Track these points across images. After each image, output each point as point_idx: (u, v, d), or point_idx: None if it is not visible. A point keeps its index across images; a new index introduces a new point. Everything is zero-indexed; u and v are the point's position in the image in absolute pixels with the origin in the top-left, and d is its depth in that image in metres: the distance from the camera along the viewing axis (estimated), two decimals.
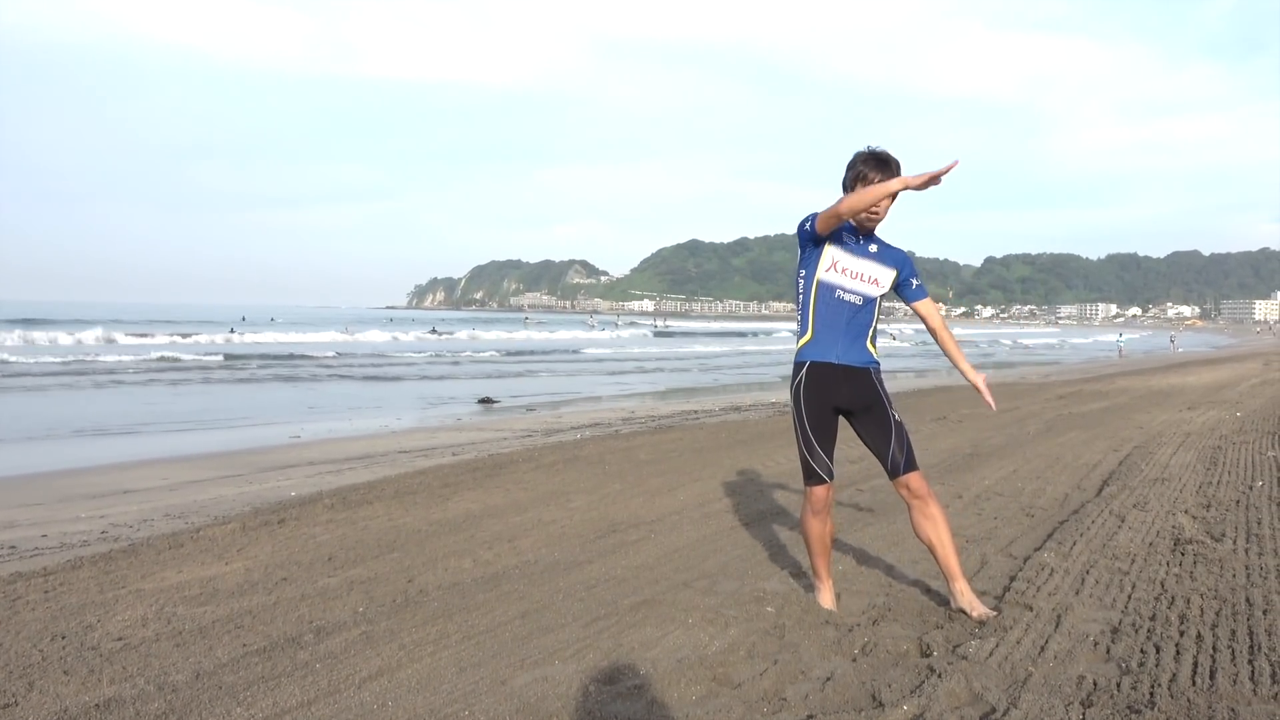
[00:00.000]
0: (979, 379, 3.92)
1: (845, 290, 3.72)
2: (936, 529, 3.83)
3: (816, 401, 3.76)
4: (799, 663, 3.35)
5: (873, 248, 3.75)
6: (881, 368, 3.86)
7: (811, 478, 3.82)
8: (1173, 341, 60.46)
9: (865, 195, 3.51)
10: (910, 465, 3.79)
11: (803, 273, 3.79)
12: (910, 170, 3.57)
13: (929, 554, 4.83)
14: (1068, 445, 9.19)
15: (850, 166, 3.69)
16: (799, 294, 3.81)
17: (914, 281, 3.81)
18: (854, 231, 3.72)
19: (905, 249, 3.88)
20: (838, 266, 3.71)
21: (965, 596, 3.84)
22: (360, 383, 23.30)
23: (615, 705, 3.04)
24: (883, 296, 3.80)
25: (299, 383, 22.92)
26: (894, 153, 3.68)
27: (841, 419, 3.88)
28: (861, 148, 3.73)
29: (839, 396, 3.76)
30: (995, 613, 3.81)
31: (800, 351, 3.81)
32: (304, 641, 3.70)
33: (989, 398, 3.92)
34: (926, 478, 3.88)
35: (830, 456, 3.82)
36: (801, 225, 3.73)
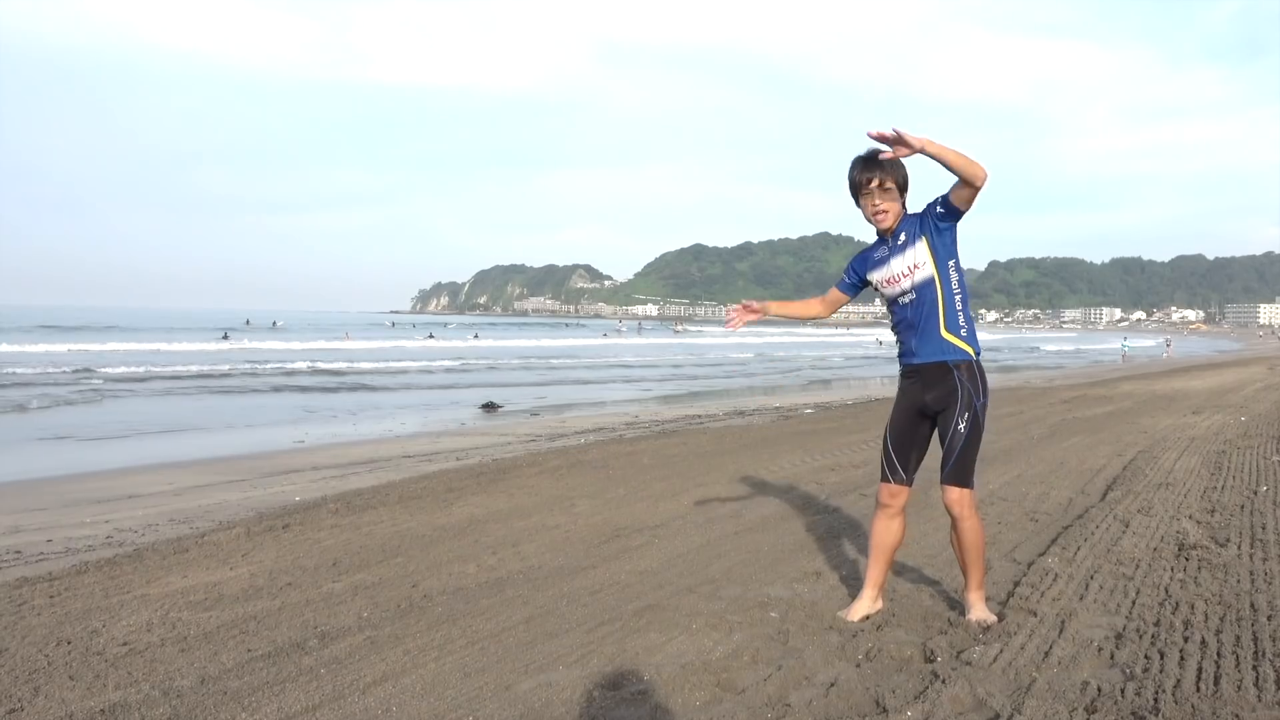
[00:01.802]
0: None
1: (898, 296, 3.70)
2: (958, 546, 3.78)
3: (903, 402, 3.79)
4: (803, 668, 3.35)
5: (901, 238, 3.63)
6: (974, 357, 3.67)
7: (883, 475, 3.86)
8: (1167, 345, 60.04)
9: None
10: (951, 478, 3.65)
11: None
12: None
13: (932, 559, 4.85)
14: (1072, 450, 9.17)
15: (848, 176, 3.63)
16: None
17: (938, 207, 3.56)
18: (882, 242, 3.70)
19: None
20: (881, 283, 3.73)
21: (970, 605, 3.87)
22: (374, 389, 23.32)
23: (619, 711, 3.04)
24: (944, 263, 3.59)
25: (311, 390, 22.94)
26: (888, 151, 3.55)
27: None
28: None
29: (923, 400, 3.71)
30: (994, 617, 3.82)
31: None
32: (309, 647, 3.71)
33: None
34: (965, 497, 3.67)
35: (906, 457, 3.79)
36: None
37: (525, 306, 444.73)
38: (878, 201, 3.57)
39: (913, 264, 3.60)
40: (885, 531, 3.88)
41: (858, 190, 3.61)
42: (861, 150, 3.62)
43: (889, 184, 3.56)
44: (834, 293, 3.95)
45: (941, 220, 3.57)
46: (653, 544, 5.39)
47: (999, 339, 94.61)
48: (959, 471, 3.65)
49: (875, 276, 3.74)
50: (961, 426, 3.62)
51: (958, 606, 4.02)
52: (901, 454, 3.80)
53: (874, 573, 3.94)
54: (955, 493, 3.67)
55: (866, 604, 3.94)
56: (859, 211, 3.70)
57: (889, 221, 3.62)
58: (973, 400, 3.63)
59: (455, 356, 39.64)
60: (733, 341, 69.66)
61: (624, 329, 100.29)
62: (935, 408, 3.68)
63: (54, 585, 4.67)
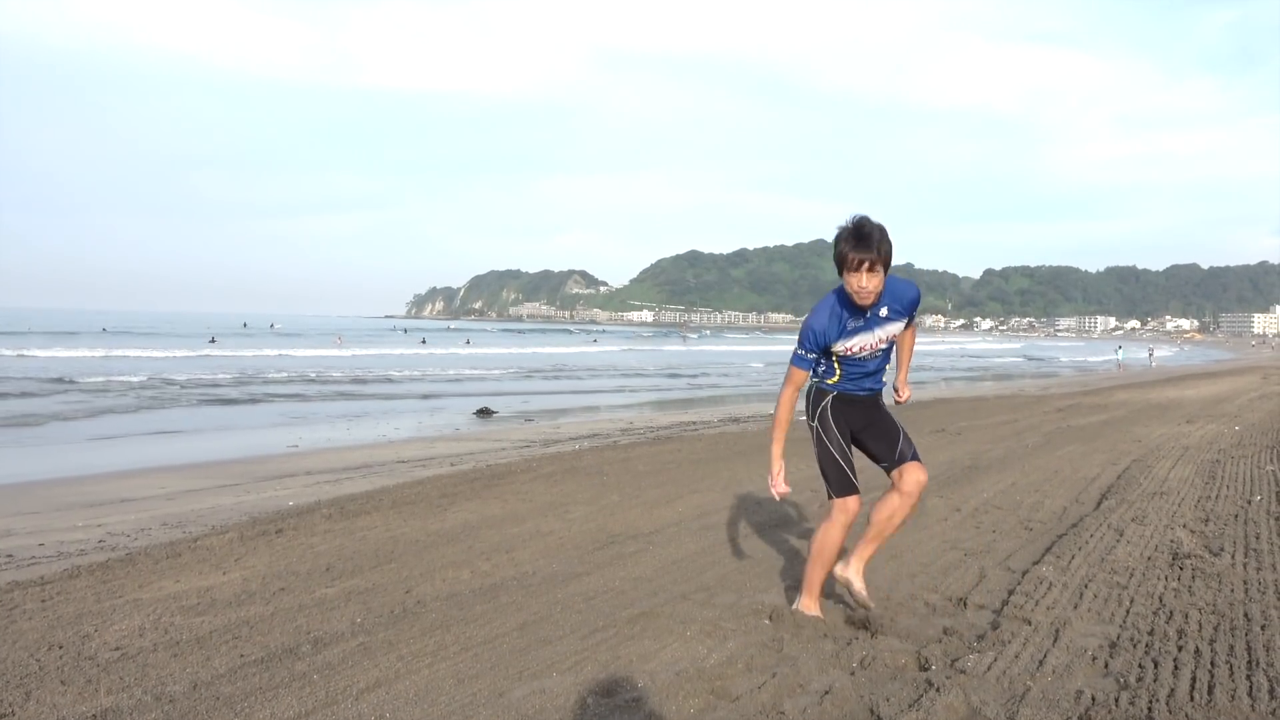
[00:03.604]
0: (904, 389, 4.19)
1: (866, 356, 3.84)
2: (892, 521, 3.96)
3: (840, 425, 3.90)
4: (797, 676, 3.35)
5: (882, 312, 3.76)
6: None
7: (850, 489, 3.90)
8: (1150, 354, 59.73)
9: (772, 459, 3.91)
10: (918, 455, 3.97)
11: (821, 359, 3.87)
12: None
13: (926, 567, 4.84)
14: (1066, 458, 9.19)
15: (834, 243, 3.64)
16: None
17: (909, 315, 3.89)
18: (858, 313, 3.73)
19: (906, 261, 3.90)
20: (852, 350, 3.79)
21: (856, 574, 4.01)
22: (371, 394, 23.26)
23: (613, 718, 3.04)
24: None
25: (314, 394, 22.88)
26: (877, 217, 3.61)
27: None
28: (844, 221, 3.65)
29: (854, 420, 3.93)
30: (870, 606, 3.96)
31: (829, 385, 3.91)
32: (301, 652, 3.70)
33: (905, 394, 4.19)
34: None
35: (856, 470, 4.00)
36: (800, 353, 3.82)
37: (520, 312, 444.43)
38: (865, 282, 3.58)
39: (889, 336, 3.83)
40: (843, 541, 3.99)
41: (845, 265, 3.61)
42: (850, 218, 3.67)
43: (878, 266, 3.58)
44: (801, 377, 3.89)
45: (907, 321, 3.90)
46: (647, 550, 5.38)
47: (1011, 347, 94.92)
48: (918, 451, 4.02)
49: (847, 344, 3.78)
50: (898, 420, 4.02)
51: (953, 614, 4.02)
52: (854, 468, 3.94)
53: (823, 580, 4.06)
54: (922, 466, 3.97)
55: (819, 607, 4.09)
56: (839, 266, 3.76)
57: (871, 300, 3.65)
58: None
59: (449, 364, 39.57)
60: (746, 349, 69.58)
61: (648, 335, 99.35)
62: (864, 424, 3.95)
63: (45, 589, 4.65)
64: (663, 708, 3.11)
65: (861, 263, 3.55)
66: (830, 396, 3.90)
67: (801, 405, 3.98)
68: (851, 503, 3.91)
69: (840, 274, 3.65)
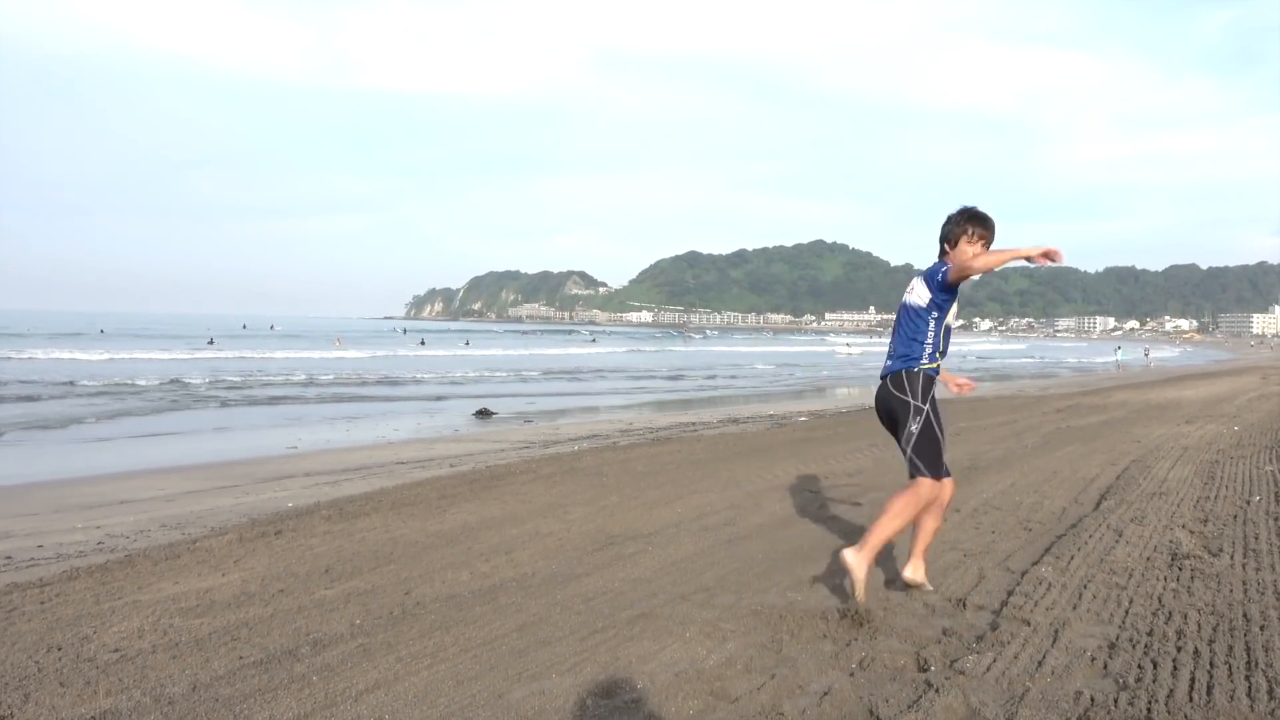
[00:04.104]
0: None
1: (949, 326, 4.17)
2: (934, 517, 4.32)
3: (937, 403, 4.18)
4: (796, 677, 3.35)
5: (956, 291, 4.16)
6: None
7: (946, 472, 4.17)
8: (1146, 354, 59.63)
9: (996, 257, 3.85)
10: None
11: (934, 315, 4.08)
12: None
13: (925, 567, 4.84)
14: (1065, 459, 9.19)
15: (955, 223, 4.07)
16: (925, 328, 4.10)
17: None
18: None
19: (905, 261, 4.12)
20: (955, 314, 4.15)
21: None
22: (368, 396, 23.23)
23: (613, 719, 3.04)
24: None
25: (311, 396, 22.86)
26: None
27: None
28: (955, 209, 4.15)
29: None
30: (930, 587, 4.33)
31: (930, 369, 4.15)
32: (301, 654, 3.70)
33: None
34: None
35: None
36: (935, 276, 4.04)
37: (520, 313, 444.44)
38: (980, 253, 4.04)
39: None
40: (916, 518, 4.23)
41: (964, 237, 4.06)
42: (965, 207, 4.17)
43: (987, 244, 4.09)
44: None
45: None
46: (646, 551, 5.38)
47: (1017, 348, 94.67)
48: None
49: (956, 306, 4.18)
50: None
51: (952, 615, 4.02)
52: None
53: (886, 543, 4.20)
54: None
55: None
56: (937, 247, 4.17)
57: None
58: None
59: (448, 365, 39.55)
60: (751, 350, 69.43)
61: (658, 335, 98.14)
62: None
63: (45, 591, 4.65)
64: (662, 709, 3.11)
65: (981, 237, 4.06)
66: (935, 383, 4.15)
67: (898, 387, 4.14)
68: (948, 485, 4.19)
69: (949, 248, 4.08)
